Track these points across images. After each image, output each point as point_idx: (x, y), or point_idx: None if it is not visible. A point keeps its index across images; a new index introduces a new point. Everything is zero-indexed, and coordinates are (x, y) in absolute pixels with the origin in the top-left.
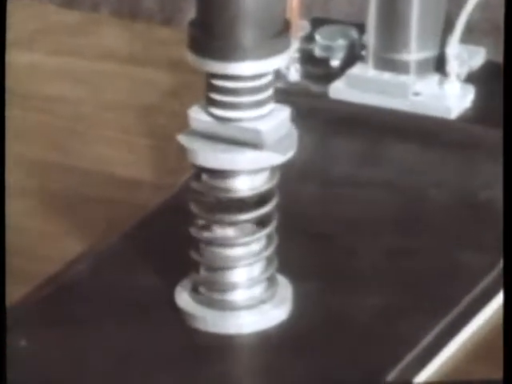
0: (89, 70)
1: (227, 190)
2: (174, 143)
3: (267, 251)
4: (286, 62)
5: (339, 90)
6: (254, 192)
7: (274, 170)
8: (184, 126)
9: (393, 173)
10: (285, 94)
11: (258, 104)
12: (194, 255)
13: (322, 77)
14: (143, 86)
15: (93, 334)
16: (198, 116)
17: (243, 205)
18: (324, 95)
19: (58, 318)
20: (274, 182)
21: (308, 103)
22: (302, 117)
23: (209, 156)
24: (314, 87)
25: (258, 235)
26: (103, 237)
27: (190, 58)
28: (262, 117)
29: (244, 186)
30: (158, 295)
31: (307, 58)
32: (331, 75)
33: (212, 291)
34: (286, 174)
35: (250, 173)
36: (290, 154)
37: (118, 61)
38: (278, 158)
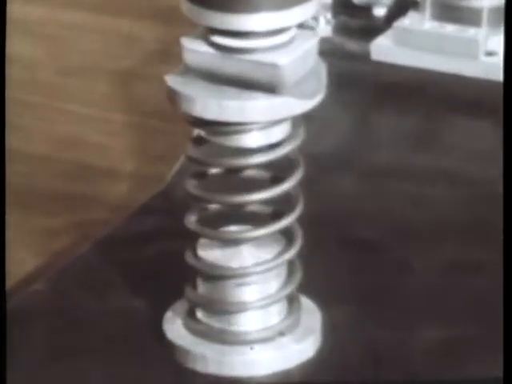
0: (49, 22)
1: (234, 153)
2: (162, 118)
3: (287, 255)
4: (314, 12)
5: (384, 48)
6: (270, 155)
7: (296, 123)
8: None
9: (456, 161)
10: None
11: (275, 29)
12: (189, 259)
13: (361, 31)
14: (120, 43)
15: (52, 373)
16: (194, 47)
17: (255, 176)
18: (364, 56)
19: (17, 346)
20: (298, 142)
21: (342, 67)
22: (334, 86)
23: (209, 103)
24: (351, 45)
25: (273, 228)
26: (67, 246)
27: (185, 6)
28: (281, 46)
29: (256, 143)
30: (139, 323)
31: (342, 6)
32: (374, 29)
33: (213, 316)
34: (316, 162)
35: (264, 126)
36: (317, 100)
37: (88, 10)
38: (302, 105)
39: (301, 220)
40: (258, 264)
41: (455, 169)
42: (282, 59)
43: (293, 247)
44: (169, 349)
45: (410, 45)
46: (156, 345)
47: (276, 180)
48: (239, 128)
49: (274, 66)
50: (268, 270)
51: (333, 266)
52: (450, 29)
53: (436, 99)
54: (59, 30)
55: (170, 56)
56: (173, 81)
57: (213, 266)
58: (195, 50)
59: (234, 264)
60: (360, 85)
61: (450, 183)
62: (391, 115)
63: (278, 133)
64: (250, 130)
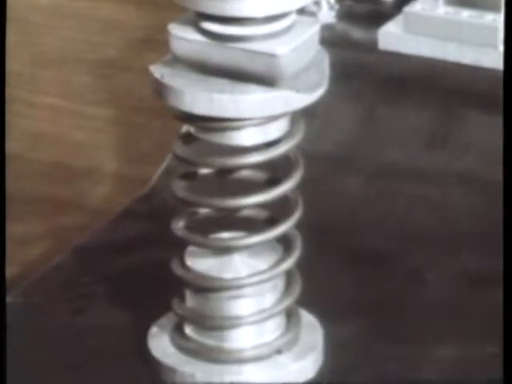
0: (20, 4)
1: (227, 152)
2: (147, 113)
3: (284, 264)
4: None
5: (393, 36)
6: (266, 155)
7: (295, 119)
8: None
9: (472, 161)
10: None
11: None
12: (176, 269)
13: (368, 17)
14: (100, 30)
15: None
16: (183, 34)
17: (250, 177)
18: (371, 44)
19: None
20: (297, 140)
21: (346, 56)
22: (338, 77)
23: (199, 97)
24: (357, 32)
25: (269, 235)
26: (42, 255)
27: None
28: (278, 34)
29: (251, 141)
30: (121, 339)
31: None
32: (382, 15)
33: (203, 332)
34: (317, 161)
35: (260, 123)
36: (318, 93)
37: None
38: (302, 100)
39: (300, 226)
40: (252, 275)
41: (471, 170)
42: (279, 48)
43: (291, 256)
44: (154, 368)
45: (421, 32)
46: (140, 363)
47: (273, 182)
48: (232, 124)
49: (271, 55)
50: (264, 281)
51: (336, 276)
52: (465, 14)
53: (450, 92)
54: (31, 14)
55: (156, 44)
56: (159, 72)
57: (203, 276)
58: (184, 37)
59: (226, 275)
60: (366, 77)
61: (466, 186)
62: (401, 110)
63: (275, 130)
64: (244, 127)
